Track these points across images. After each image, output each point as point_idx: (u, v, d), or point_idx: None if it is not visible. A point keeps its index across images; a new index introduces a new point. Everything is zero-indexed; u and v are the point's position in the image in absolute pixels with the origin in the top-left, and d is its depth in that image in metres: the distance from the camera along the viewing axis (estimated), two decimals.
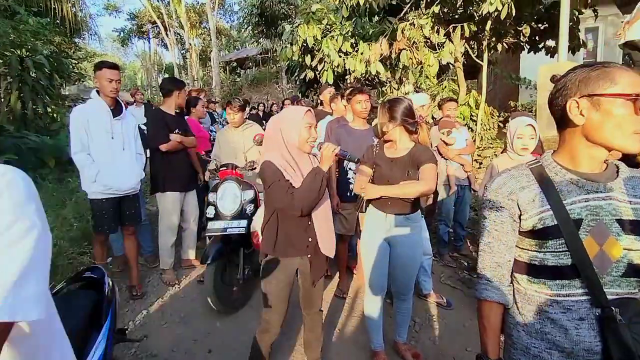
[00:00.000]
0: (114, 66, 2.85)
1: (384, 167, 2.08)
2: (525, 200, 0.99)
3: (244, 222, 2.82)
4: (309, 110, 1.83)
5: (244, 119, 3.34)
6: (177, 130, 3.29)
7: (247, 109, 8.16)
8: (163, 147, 3.21)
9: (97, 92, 2.84)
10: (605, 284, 0.91)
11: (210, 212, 2.92)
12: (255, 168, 3.02)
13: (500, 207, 1.03)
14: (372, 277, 2.19)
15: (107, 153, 2.82)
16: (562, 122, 0.99)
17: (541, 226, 0.97)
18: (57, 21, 9.88)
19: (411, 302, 2.28)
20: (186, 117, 3.81)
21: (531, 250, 1.00)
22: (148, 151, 3.60)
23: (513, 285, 1.07)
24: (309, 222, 1.84)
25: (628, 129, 0.89)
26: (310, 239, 1.85)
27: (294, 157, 1.79)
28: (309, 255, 1.86)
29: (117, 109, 2.90)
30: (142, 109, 7.15)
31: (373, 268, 2.17)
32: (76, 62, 10.37)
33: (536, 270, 1.00)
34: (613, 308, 0.88)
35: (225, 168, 3.10)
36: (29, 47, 6.90)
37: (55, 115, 7.45)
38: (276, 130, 1.79)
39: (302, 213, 1.74)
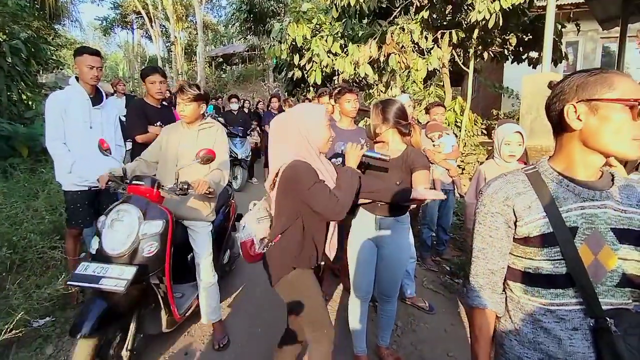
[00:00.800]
0: (95, 52, 2.72)
1: (378, 169, 2.05)
2: (521, 207, 0.97)
3: (129, 272, 1.85)
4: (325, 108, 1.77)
5: (200, 114, 2.42)
6: (158, 123, 3.14)
7: (231, 105, 7.54)
8: (139, 139, 3.06)
9: (77, 78, 2.71)
10: (600, 294, 0.90)
11: (93, 245, 2.00)
12: (187, 193, 2.13)
13: (496, 212, 1.01)
14: (358, 280, 2.15)
15: (84, 143, 2.69)
16: (559, 127, 0.98)
17: (537, 233, 0.95)
18: (37, 5, 9.49)
19: (395, 305, 2.25)
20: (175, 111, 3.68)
21: (526, 258, 0.99)
22: (129, 143, 3.46)
23: (505, 293, 1.05)
24: (327, 227, 1.73)
25: (626, 135, 0.88)
26: (328, 245, 1.76)
27: (320, 158, 1.67)
28: (323, 263, 1.76)
29: (97, 98, 2.77)
30: (124, 100, 6.93)
31: (359, 271, 2.13)
32: (55, 49, 9.98)
33: (530, 279, 0.98)
34: (607, 319, 0.87)
35: (139, 182, 2.11)
36: (7, 30, 6.59)
37: (30, 102, 7.14)
38: (294, 131, 1.62)
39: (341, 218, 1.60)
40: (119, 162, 2.97)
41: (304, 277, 1.67)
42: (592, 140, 0.91)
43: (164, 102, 3.37)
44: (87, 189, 2.75)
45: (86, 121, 2.69)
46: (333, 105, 3.31)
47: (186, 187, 2.11)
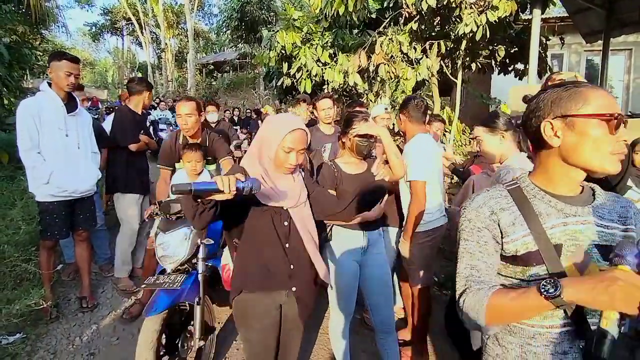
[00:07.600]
0: (75, 59, 2.64)
1: (351, 185, 1.96)
2: (506, 222, 0.94)
3: None
4: (298, 130, 1.44)
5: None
6: (142, 131, 3.20)
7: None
8: (133, 147, 3.09)
9: (48, 84, 2.61)
10: (587, 314, 0.86)
11: None
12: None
13: (483, 227, 0.97)
14: (342, 304, 2.02)
15: (61, 152, 2.60)
16: (538, 143, 0.96)
17: (524, 251, 0.91)
18: (23, 9, 9.34)
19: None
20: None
21: (514, 278, 0.95)
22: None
23: None
24: (286, 245, 1.52)
25: (605, 150, 0.86)
26: (292, 266, 1.53)
27: (269, 173, 1.49)
28: (293, 289, 1.54)
29: (71, 104, 2.68)
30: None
31: (343, 295, 2.00)
32: (41, 54, 9.82)
33: None
34: None
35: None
36: None
37: (13, 108, 6.98)
38: (258, 140, 1.52)
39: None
40: (97, 170, 2.89)
41: (249, 303, 1.52)
42: (572, 156, 0.90)
43: (144, 111, 3.41)
44: (64, 199, 2.64)
45: (62, 129, 2.60)
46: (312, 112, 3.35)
47: None
